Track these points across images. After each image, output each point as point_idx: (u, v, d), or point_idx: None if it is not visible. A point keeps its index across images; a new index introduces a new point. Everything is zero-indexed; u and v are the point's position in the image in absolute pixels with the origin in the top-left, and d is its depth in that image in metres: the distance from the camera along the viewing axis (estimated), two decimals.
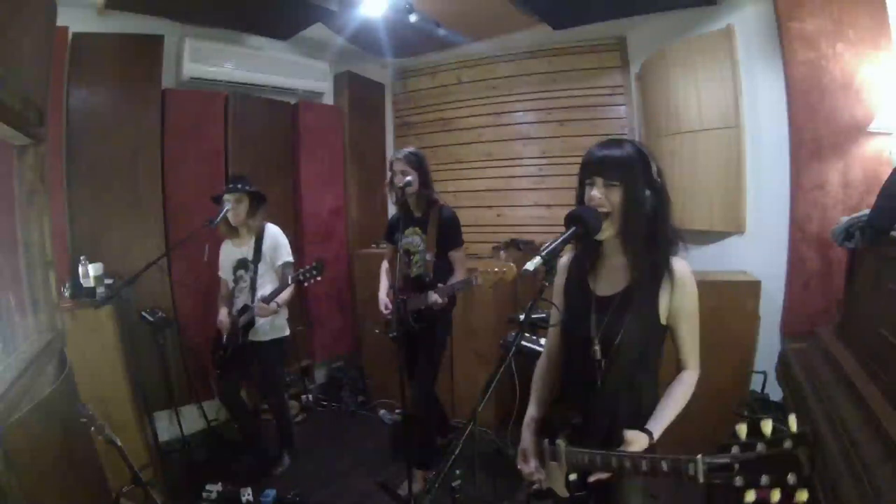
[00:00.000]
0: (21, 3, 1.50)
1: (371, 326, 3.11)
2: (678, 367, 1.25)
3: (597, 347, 1.21)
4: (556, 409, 1.32)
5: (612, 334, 1.20)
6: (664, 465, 0.93)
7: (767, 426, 0.80)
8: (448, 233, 2.49)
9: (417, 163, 2.45)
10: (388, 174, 2.52)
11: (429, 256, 2.47)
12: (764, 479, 0.78)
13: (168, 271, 3.00)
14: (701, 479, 0.85)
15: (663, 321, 1.19)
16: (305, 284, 2.45)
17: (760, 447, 0.79)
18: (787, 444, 0.77)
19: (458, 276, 2.47)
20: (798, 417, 0.81)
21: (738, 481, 0.80)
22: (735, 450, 0.82)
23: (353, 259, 3.93)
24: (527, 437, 1.30)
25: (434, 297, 2.31)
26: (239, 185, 2.57)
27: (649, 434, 1.12)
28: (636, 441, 1.09)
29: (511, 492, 2.41)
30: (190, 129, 3.12)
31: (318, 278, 2.43)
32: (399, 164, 2.45)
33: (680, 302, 1.19)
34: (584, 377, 1.25)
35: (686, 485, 0.94)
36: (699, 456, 0.85)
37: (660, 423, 1.15)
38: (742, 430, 0.83)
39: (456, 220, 2.52)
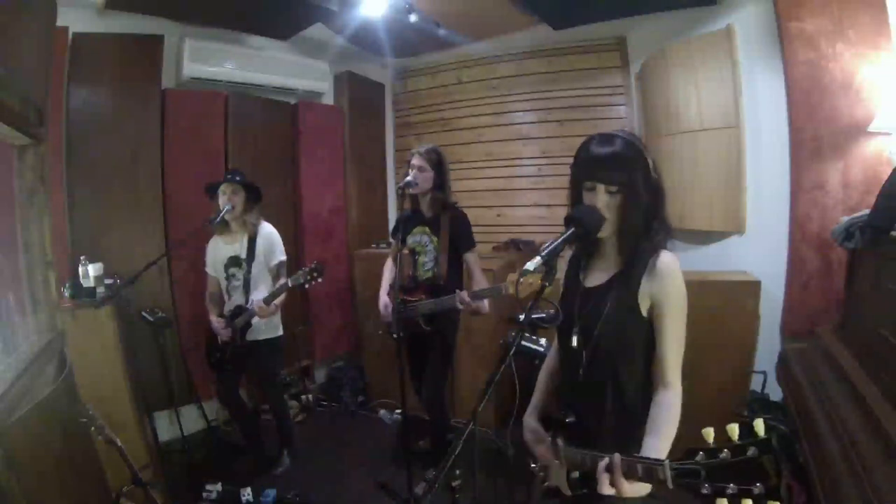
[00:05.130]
0: (21, 3, 1.50)
1: (373, 326, 3.10)
2: (655, 382, 1.16)
3: (575, 336, 1.20)
4: (552, 408, 1.32)
5: (592, 323, 1.19)
6: (639, 469, 0.91)
7: (734, 431, 0.77)
8: (461, 234, 2.44)
9: (436, 160, 2.41)
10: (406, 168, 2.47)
11: (442, 259, 2.43)
12: (731, 488, 0.74)
13: (168, 271, 3.00)
14: (670, 485, 0.82)
15: (644, 313, 1.15)
16: (307, 287, 2.44)
17: (725, 454, 0.76)
18: (752, 451, 0.74)
19: (477, 277, 2.43)
20: (772, 422, 0.79)
21: (706, 489, 0.77)
22: (700, 456, 0.78)
23: (353, 259, 3.92)
24: (531, 423, 1.30)
25: (465, 296, 2.24)
26: (237, 178, 2.56)
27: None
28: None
29: (511, 492, 2.41)
30: (190, 129, 3.12)
31: (319, 280, 2.41)
32: (418, 160, 2.40)
33: (662, 295, 1.12)
34: (569, 369, 1.25)
35: (688, 485, 0.93)
36: (666, 461, 0.83)
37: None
38: (709, 433, 0.79)
39: (467, 221, 2.48)
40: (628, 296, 1.16)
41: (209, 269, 2.73)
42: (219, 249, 2.67)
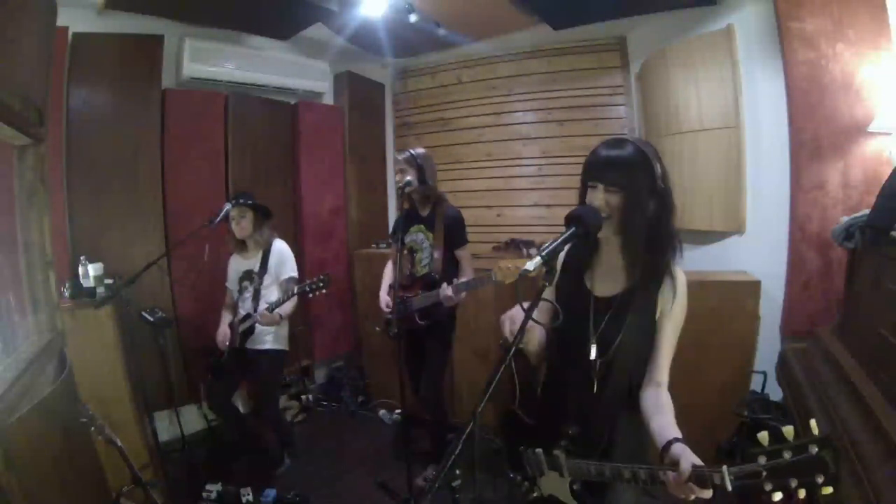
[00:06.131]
0: (21, 3, 1.50)
1: (371, 325, 3.11)
2: (648, 380, 1.18)
3: (593, 347, 1.20)
4: (549, 421, 1.27)
5: (610, 335, 1.19)
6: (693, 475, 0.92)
7: (790, 432, 0.82)
8: (454, 231, 2.53)
9: (413, 161, 2.49)
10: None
11: (437, 255, 2.49)
12: (792, 483, 0.80)
13: (168, 271, 3.00)
14: (729, 488, 0.86)
15: (656, 322, 1.19)
16: (311, 296, 2.47)
17: (787, 455, 0.81)
18: (814, 449, 0.79)
19: (467, 273, 2.51)
20: (814, 419, 0.83)
21: (767, 486, 0.83)
22: (762, 459, 0.83)
23: (353, 259, 3.92)
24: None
25: (447, 291, 2.30)
26: (241, 200, 2.60)
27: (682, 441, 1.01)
28: (684, 454, 0.97)
29: (511, 492, 2.41)
30: (190, 129, 3.12)
31: (324, 291, 2.45)
32: (398, 165, 2.53)
33: (671, 307, 1.17)
34: (578, 379, 1.23)
35: (748, 486, 0.93)
36: (724, 467, 0.86)
37: (677, 432, 1.06)
38: (765, 437, 0.84)
39: (461, 219, 2.57)
40: (648, 312, 1.18)
41: (228, 284, 2.81)
42: (237, 265, 2.75)
